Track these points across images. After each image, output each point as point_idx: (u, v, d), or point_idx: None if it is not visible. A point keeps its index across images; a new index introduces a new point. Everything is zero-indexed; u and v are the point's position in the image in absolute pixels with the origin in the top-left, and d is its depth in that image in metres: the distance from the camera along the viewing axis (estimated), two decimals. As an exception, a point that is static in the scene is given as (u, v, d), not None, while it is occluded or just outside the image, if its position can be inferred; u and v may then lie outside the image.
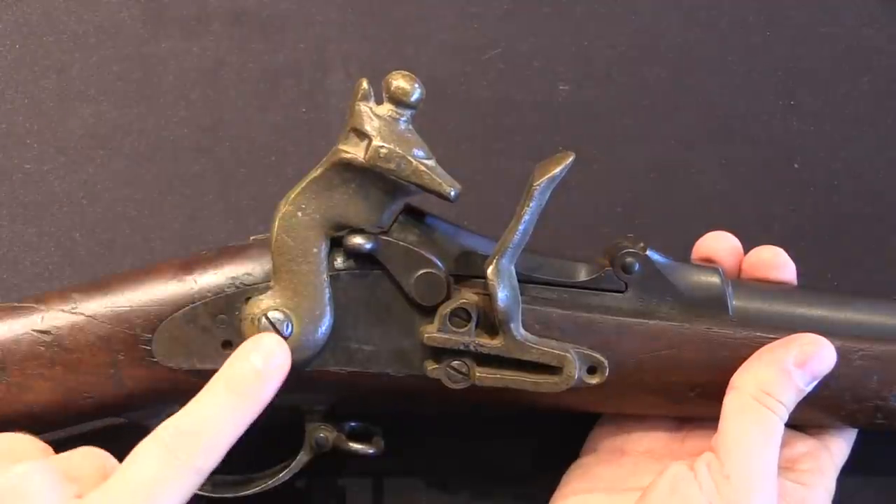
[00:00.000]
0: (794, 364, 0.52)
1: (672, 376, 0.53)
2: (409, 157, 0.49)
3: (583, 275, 0.54)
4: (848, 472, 0.57)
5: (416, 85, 0.51)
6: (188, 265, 0.53)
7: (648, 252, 0.54)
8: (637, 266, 0.53)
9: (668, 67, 0.73)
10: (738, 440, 0.51)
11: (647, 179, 0.70)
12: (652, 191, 0.70)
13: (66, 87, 0.70)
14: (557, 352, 0.52)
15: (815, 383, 0.52)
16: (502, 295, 0.50)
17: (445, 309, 0.51)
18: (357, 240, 0.51)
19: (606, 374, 0.52)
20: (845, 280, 0.68)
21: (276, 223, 0.51)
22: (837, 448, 0.56)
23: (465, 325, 0.51)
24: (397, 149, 0.49)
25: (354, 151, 0.50)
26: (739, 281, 0.57)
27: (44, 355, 0.52)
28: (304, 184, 0.51)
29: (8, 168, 0.68)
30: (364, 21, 0.73)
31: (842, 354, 0.53)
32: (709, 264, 0.57)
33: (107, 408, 0.54)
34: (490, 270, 0.50)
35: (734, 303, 0.54)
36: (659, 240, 0.67)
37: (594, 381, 0.53)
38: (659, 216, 0.69)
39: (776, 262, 0.58)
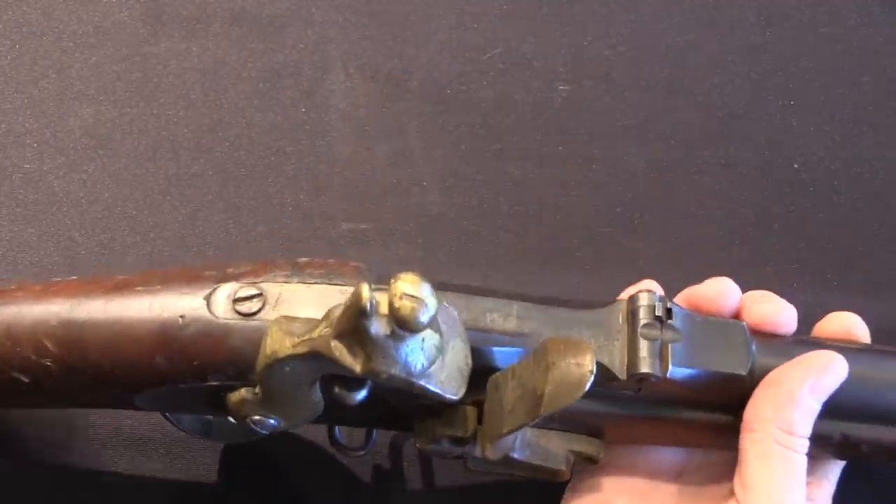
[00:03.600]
0: (810, 392, 0.48)
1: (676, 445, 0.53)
2: (413, 381, 0.43)
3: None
4: (849, 475, 0.56)
5: (426, 308, 0.41)
6: (167, 342, 0.47)
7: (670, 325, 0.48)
8: (655, 379, 0.47)
9: (668, 67, 0.72)
10: (768, 494, 0.47)
11: (647, 179, 0.70)
12: (652, 191, 0.70)
13: (66, 87, 0.70)
14: (553, 467, 0.49)
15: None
16: (499, 458, 0.47)
17: (441, 433, 0.47)
18: (348, 397, 0.46)
19: (602, 454, 0.50)
20: (845, 280, 0.67)
21: (262, 371, 0.45)
22: None
23: (461, 445, 0.48)
24: (399, 374, 0.43)
25: (349, 360, 0.43)
26: (763, 340, 0.50)
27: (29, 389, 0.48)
28: (289, 353, 0.44)
29: (8, 168, 0.68)
30: (364, 21, 0.73)
31: None
32: (733, 321, 0.50)
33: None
34: (488, 452, 0.46)
35: (759, 362, 0.49)
36: (659, 239, 0.68)
37: (592, 462, 0.51)
38: (659, 216, 0.69)
39: (779, 320, 0.51)
